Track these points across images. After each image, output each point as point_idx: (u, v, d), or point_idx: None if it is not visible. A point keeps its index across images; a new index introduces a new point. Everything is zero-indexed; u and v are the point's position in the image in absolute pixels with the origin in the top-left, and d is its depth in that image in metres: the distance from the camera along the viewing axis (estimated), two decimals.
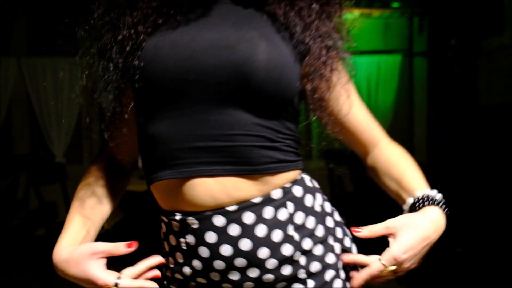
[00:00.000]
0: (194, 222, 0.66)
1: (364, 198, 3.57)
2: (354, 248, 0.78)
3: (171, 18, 0.68)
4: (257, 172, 0.66)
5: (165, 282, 0.74)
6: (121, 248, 0.69)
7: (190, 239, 0.67)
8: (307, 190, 0.72)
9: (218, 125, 0.64)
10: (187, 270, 0.69)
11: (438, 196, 0.74)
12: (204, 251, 0.67)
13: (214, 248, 0.66)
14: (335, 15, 0.74)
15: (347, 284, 0.73)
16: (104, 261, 0.70)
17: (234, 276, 0.67)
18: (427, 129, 4.58)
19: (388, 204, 2.73)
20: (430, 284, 2.73)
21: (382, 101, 4.42)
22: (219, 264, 0.66)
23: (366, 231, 0.71)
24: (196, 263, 0.68)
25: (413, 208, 0.73)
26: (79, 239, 0.73)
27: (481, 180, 2.76)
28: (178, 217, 0.67)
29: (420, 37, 4.51)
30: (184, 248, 0.68)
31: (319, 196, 0.75)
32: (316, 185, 0.77)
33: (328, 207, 0.76)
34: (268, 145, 0.66)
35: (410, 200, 0.74)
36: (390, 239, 0.69)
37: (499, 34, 3.67)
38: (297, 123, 0.74)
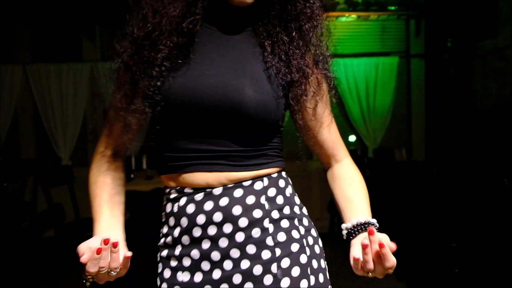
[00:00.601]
0: (188, 191, 0.83)
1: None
2: (318, 238, 0.91)
3: (186, 58, 0.81)
4: (243, 169, 0.83)
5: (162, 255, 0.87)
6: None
7: (182, 201, 0.84)
8: (282, 178, 0.88)
9: (217, 143, 0.82)
10: (176, 232, 0.84)
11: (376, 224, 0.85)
12: (190, 208, 0.83)
13: (198, 206, 0.82)
14: (314, 46, 0.86)
15: (313, 262, 0.85)
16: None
17: (212, 231, 0.81)
18: (425, 129, 4.64)
19: (384, 204, 2.84)
20: (427, 278, 2.83)
21: (380, 101, 4.47)
22: (200, 218, 0.81)
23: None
24: (184, 221, 0.83)
25: (354, 228, 0.84)
26: (113, 225, 0.84)
27: (477, 178, 2.84)
28: (177, 188, 0.85)
29: (417, 39, 4.56)
30: (176, 210, 0.84)
31: (290, 187, 0.90)
32: (290, 182, 0.92)
33: (296, 199, 0.90)
34: (252, 153, 0.84)
35: (353, 221, 0.85)
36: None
37: (493, 37, 3.77)
38: (281, 135, 0.90)
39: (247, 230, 0.81)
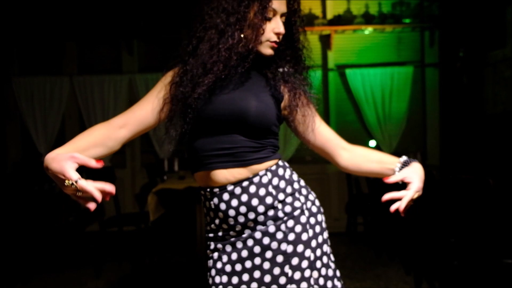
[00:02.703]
0: (217, 191, 1.14)
1: (378, 198, 3.86)
2: (315, 199, 1.21)
3: (219, 85, 1.13)
4: (249, 163, 1.13)
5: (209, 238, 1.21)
6: (92, 163, 0.96)
7: (215, 200, 1.15)
8: (281, 167, 1.18)
9: (228, 142, 1.12)
10: (217, 221, 1.16)
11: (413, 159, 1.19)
12: (222, 206, 1.14)
13: (228, 203, 1.13)
14: (304, 72, 1.21)
15: (311, 219, 1.17)
16: (76, 166, 0.95)
17: (241, 219, 1.13)
18: (440, 135, 4.74)
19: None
20: (430, 270, 3.04)
21: (396, 108, 4.62)
22: (231, 212, 1.13)
23: (394, 178, 1.13)
24: (220, 214, 1.15)
25: (403, 166, 1.16)
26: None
27: (488, 180, 2.99)
28: (208, 189, 1.16)
29: (431, 49, 4.69)
30: (212, 207, 1.16)
31: (288, 170, 1.20)
32: (287, 165, 1.21)
33: (295, 176, 1.21)
34: (254, 150, 1.14)
35: (399, 163, 1.17)
36: (408, 181, 1.13)
37: (502, 47, 3.88)
38: (277, 136, 1.20)
39: (265, 213, 1.13)
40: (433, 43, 4.67)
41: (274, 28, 1.12)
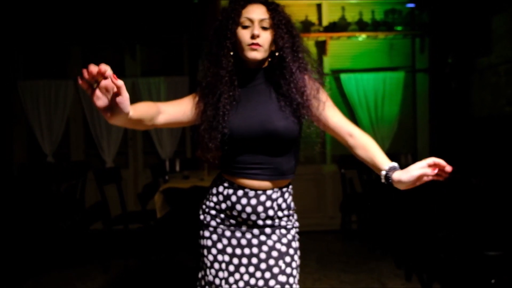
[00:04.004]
0: (236, 186, 1.35)
1: (371, 197, 4.05)
2: (296, 225, 1.44)
3: (238, 103, 1.32)
4: (273, 179, 1.34)
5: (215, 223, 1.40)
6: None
7: (230, 191, 1.35)
8: (287, 192, 1.40)
9: (261, 156, 1.32)
10: (223, 205, 1.37)
11: (397, 165, 1.25)
12: (233, 198, 1.35)
13: (238, 199, 1.34)
14: (314, 78, 1.37)
15: (293, 243, 1.40)
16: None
17: (244, 215, 1.35)
18: (429, 137, 4.92)
19: (389, 202, 3.39)
20: (419, 263, 3.24)
21: (388, 112, 4.79)
22: (238, 207, 1.34)
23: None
24: (229, 203, 1.36)
25: (388, 172, 1.22)
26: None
27: (471, 179, 3.19)
28: (228, 182, 1.37)
29: (421, 55, 4.86)
30: (225, 194, 1.36)
31: (290, 196, 1.42)
32: (291, 191, 1.43)
33: (291, 203, 1.43)
34: (280, 165, 1.34)
35: (385, 171, 1.23)
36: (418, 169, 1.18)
37: (488, 54, 4.08)
38: (298, 146, 1.39)
39: (264, 219, 1.35)
40: (423, 49, 4.86)
41: (250, 32, 1.28)
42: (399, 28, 4.77)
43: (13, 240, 3.71)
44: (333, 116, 1.36)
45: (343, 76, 4.85)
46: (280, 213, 1.37)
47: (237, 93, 1.32)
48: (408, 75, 4.91)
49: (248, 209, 1.34)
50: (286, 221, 1.39)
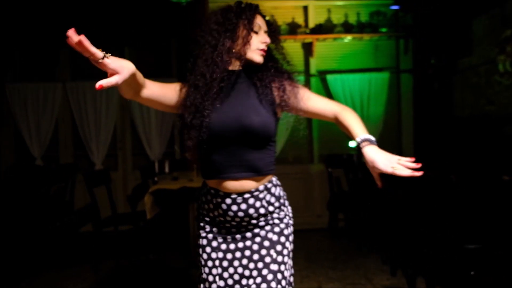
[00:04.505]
0: (222, 194, 1.40)
1: (357, 195, 4.14)
2: (291, 212, 1.51)
3: (220, 102, 1.37)
4: (255, 174, 1.39)
5: (205, 224, 1.47)
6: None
7: (219, 199, 1.41)
8: (273, 186, 1.46)
9: (238, 155, 1.37)
10: (216, 212, 1.43)
11: (371, 137, 1.34)
12: (224, 206, 1.41)
13: (229, 206, 1.40)
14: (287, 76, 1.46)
15: (289, 224, 1.47)
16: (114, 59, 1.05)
17: (237, 219, 1.41)
18: (413, 136, 5.03)
19: (375, 202, 3.46)
20: (403, 259, 3.34)
21: (374, 112, 4.88)
22: (230, 213, 1.41)
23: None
24: (220, 211, 1.42)
25: (361, 141, 1.32)
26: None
27: (451, 177, 3.29)
28: (214, 190, 1.42)
29: (405, 56, 4.97)
30: (214, 202, 1.42)
31: (278, 188, 1.48)
32: (279, 182, 1.50)
33: (282, 192, 1.49)
34: (259, 159, 1.39)
35: (358, 140, 1.33)
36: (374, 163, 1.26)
37: (469, 55, 4.20)
38: (274, 142, 1.46)
39: (256, 219, 1.42)
40: (407, 50, 4.97)
41: (261, 39, 1.40)
42: (383, 30, 4.87)
43: (3, 242, 3.70)
44: (313, 103, 1.44)
45: (329, 77, 4.93)
46: (271, 208, 1.44)
47: (221, 95, 1.38)
48: (393, 75, 5.02)
49: (240, 214, 1.40)
50: (278, 212, 1.46)
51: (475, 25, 4.14)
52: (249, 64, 1.43)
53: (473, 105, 4.20)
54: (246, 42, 1.37)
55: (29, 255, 3.88)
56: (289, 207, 1.53)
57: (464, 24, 4.23)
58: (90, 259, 3.86)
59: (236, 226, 1.43)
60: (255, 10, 1.42)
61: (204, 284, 1.44)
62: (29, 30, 4.85)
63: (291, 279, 1.46)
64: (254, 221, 1.42)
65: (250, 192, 1.40)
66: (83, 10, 4.73)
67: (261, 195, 1.41)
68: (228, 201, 1.40)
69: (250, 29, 1.38)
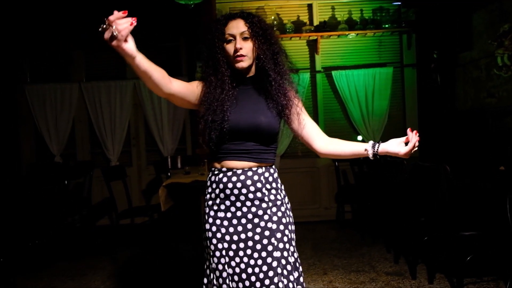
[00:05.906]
0: (225, 170, 1.55)
1: (362, 188, 4.29)
2: (288, 202, 1.65)
3: (232, 103, 1.54)
4: (258, 160, 1.55)
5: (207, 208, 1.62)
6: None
7: (220, 175, 1.56)
8: (272, 169, 1.60)
9: (245, 146, 1.55)
10: (217, 191, 1.57)
11: (371, 141, 1.55)
12: (224, 179, 1.55)
13: (229, 178, 1.54)
14: (292, 83, 1.62)
15: (287, 211, 1.60)
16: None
17: (236, 191, 1.53)
18: (418, 129, 5.03)
19: (379, 194, 3.65)
20: (406, 247, 3.48)
21: (378, 106, 4.99)
22: (230, 184, 1.53)
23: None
24: (221, 186, 1.55)
25: (374, 145, 1.52)
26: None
27: (459, 166, 3.39)
28: (218, 169, 1.58)
29: (409, 51, 5.06)
30: (216, 180, 1.56)
31: (276, 174, 1.62)
32: (276, 170, 1.64)
33: (278, 180, 1.62)
34: (263, 152, 1.56)
35: (370, 144, 1.53)
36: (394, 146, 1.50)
37: (470, 49, 4.30)
38: (277, 143, 1.62)
39: (254, 192, 1.54)
40: (410, 45, 5.06)
41: (236, 47, 1.50)
42: (386, 25, 4.96)
43: (26, 235, 3.93)
44: (309, 125, 1.62)
45: (334, 73, 5.06)
46: (268, 186, 1.55)
47: (235, 93, 1.56)
48: (396, 70, 5.12)
49: (238, 184, 1.52)
50: (275, 195, 1.56)
51: (474, 19, 4.22)
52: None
53: (474, 98, 4.29)
54: (226, 54, 1.52)
55: (50, 246, 4.10)
56: (287, 198, 1.63)
57: (464, 19, 4.30)
58: (108, 250, 4.06)
59: (235, 202, 1.54)
60: (226, 19, 1.53)
61: (215, 273, 1.56)
62: (44, 34, 5.06)
63: (298, 264, 1.57)
64: (250, 195, 1.52)
65: (250, 168, 1.54)
66: (94, 12, 4.90)
67: (259, 171, 1.54)
68: (229, 173, 1.54)
69: (223, 41, 1.52)
